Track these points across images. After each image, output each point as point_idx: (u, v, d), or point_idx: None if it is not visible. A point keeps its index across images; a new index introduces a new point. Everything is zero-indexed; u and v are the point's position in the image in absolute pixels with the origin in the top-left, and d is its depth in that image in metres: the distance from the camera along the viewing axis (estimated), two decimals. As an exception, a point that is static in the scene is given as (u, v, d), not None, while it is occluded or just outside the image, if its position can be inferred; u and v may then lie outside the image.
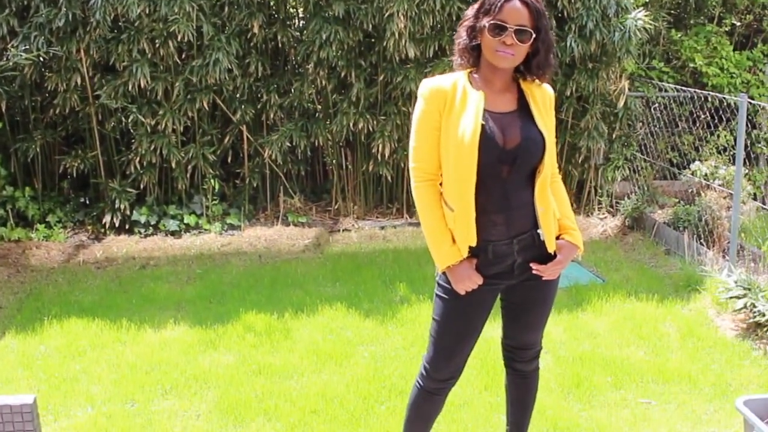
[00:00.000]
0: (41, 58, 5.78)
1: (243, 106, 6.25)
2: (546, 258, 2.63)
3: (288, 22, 6.37)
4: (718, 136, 6.92)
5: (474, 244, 2.53)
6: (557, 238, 2.65)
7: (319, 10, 6.01)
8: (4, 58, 5.65)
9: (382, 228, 6.47)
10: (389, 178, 6.51)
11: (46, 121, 6.19)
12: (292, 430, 3.49)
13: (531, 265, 2.61)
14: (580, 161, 6.75)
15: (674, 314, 4.79)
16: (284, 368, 4.05)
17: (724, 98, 6.39)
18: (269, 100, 6.28)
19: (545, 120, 2.57)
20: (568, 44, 6.11)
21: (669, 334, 4.53)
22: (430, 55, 6.09)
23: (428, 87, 2.56)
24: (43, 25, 5.61)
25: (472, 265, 2.56)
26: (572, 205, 6.85)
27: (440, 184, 2.59)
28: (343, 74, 6.19)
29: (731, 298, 4.66)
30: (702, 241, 5.73)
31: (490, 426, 3.51)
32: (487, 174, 2.48)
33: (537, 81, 2.59)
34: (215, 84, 6.05)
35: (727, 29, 7.38)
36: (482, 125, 2.45)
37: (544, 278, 2.64)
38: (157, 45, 5.82)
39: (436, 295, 2.68)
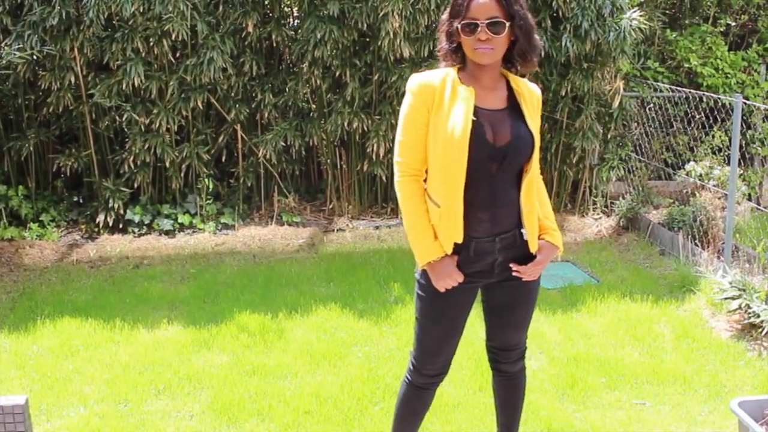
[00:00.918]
0: (35, 57, 5.76)
1: (237, 106, 6.23)
2: (526, 259, 2.62)
3: (282, 21, 6.35)
4: (713, 137, 6.93)
5: (460, 240, 2.52)
6: (538, 238, 2.65)
7: (314, 9, 6.00)
8: (-2, 57, 5.64)
9: (377, 228, 6.47)
10: (384, 177, 6.50)
11: (40, 119, 6.17)
12: (286, 431, 3.48)
13: (511, 265, 2.61)
14: (575, 161, 6.74)
15: (669, 315, 4.78)
16: (278, 368, 4.03)
17: (719, 98, 6.40)
18: (264, 100, 6.27)
19: (534, 119, 2.58)
20: (563, 44, 6.11)
21: (663, 335, 4.53)
22: (425, 55, 6.09)
23: (417, 82, 2.55)
24: (37, 23, 5.59)
25: (453, 261, 2.55)
26: (567, 206, 6.92)
27: (425, 181, 2.58)
28: (337, 74, 6.19)
29: (726, 299, 4.66)
30: (697, 241, 5.73)
31: (484, 427, 3.51)
32: (475, 171, 2.48)
33: (528, 71, 2.59)
34: (209, 83, 6.04)
35: (722, 29, 7.38)
36: (473, 121, 2.45)
37: (524, 279, 2.64)
38: (151, 44, 5.80)
39: (416, 292, 2.68)
